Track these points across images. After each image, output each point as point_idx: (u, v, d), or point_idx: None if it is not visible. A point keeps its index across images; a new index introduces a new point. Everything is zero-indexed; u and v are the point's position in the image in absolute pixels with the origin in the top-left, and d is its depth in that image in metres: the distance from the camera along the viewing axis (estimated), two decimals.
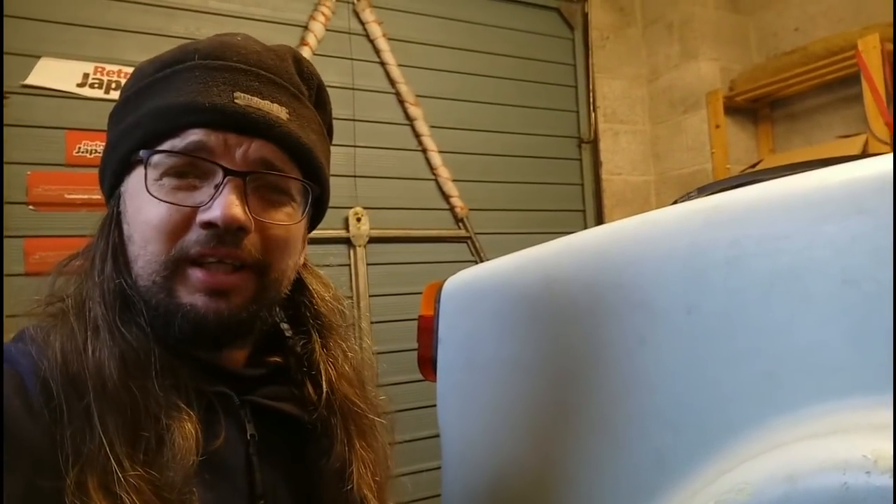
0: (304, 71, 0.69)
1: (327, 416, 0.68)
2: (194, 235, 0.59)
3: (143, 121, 0.62)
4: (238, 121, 0.61)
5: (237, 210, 0.58)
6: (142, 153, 0.61)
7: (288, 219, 0.64)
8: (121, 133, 0.64)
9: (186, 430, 0.57)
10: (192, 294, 0.59)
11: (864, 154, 2.38)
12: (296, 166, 0.65)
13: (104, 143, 0.67)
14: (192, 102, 0.60)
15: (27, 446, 0.51)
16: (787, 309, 0.59)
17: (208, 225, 0.59)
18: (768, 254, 0.60)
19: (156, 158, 0.61)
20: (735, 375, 0.62)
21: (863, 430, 0.51)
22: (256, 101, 0.62)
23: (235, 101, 0.61)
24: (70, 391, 0.55)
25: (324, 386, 0.69)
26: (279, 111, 0.63)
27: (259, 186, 0.63)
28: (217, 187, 0.59)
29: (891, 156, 0.54)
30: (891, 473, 0.46)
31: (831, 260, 0.57)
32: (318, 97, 0.71)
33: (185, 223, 0.59)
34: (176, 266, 0.59)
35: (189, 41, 0.66)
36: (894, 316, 0.53)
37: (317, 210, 0.72)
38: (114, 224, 0.64)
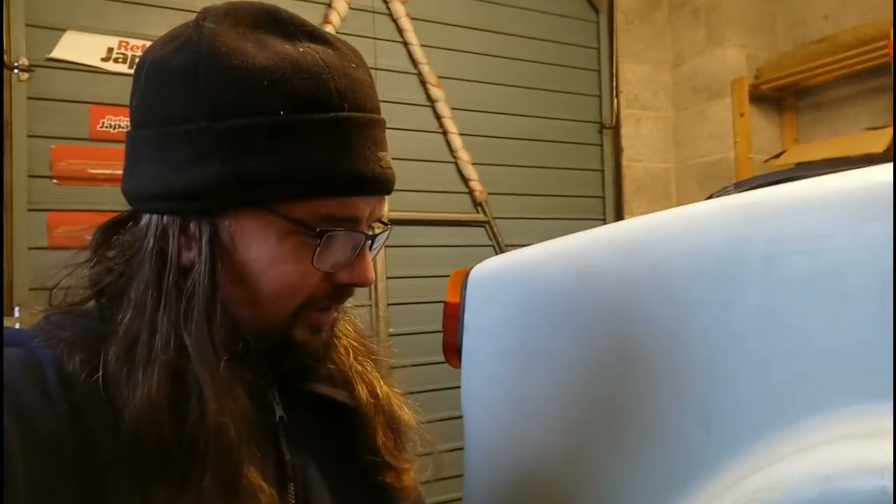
0: None
1: (365, 407, 0.69)
2: (326, 290, 0.62)
3: (299, 177, 0.57)
4: (384, 186, 0.62)
5: (372, 273, 0.63)
6: (319, 230, 0.58)
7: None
8: (245, 170, 0.56)
9: None
10: (305, 331, 0.63)
11: (892, 146, 2.33)
12: None
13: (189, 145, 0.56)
14: (357, 172, 0.58)
15: (45, 436, 0.51)
16: (825, 308, 0.58)
17: (349, 285, 0.62)
18: (808, 252, 0.60)
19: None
20: (769, 374, 0.61)
21: None
22: (387, 159, 0.62)
23: (381, 164, 0.61)
24: (100, 415, 0.54)
25: (359, 384, 0.70)
26: (390, 159, 0.63)
27: None
28: (354, 249, 0.61)
29: None
30: None
31: (872, 260, 0.56)
32: None
33: (321, 281, 0.61)
34: (298, 313, 0.61)
35: (311, 60, 0.58)
36: (894, 319, 0.52)
37: None
38: (207, 258, 0.58)
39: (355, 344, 0.73)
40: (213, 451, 0.54)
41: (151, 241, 0.58)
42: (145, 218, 0.60)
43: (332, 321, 0.66)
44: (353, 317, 0.75)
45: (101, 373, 0.54)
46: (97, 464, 0.52)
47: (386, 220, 0.68)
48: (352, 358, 0.71)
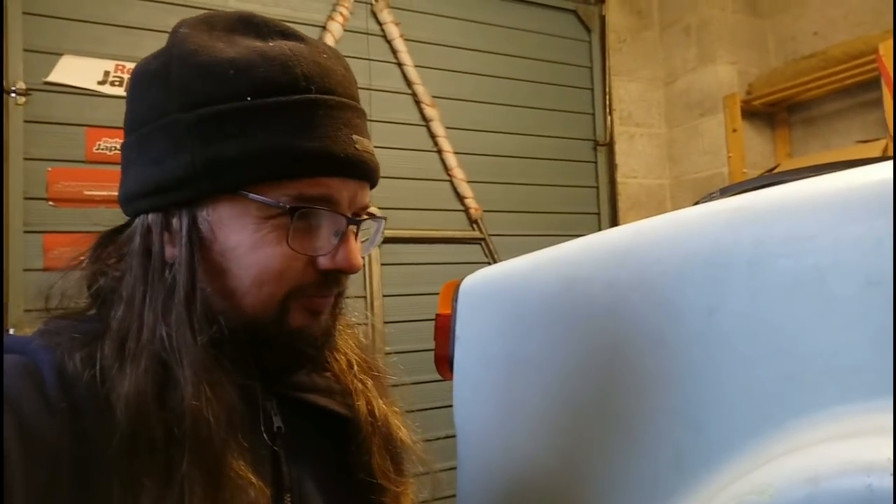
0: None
1: (362, 423, 0.69)
2: (313, 278, 0.61)
3: (267, 158, 0.57)
4: (359, 169, 0.61)
5: (359, 258, 0.62)
6: (289, 208, 0.58)
7: (363, 249, 0.66)
8: (215, 155, 0.57)
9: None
10: (304, 316, 0.62)
11: (886, 156, 2.35)
12: None
13: (166, 146, 0.58)
14: (326, 151, 0.58)
15: (43, 440, 0.51)
16: (811, 310, 0.59)
17: (334, 271, 0.61)
18: (792, 254, 0.60)
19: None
20: (756, 376, 0.61)
21: (887, 432, 0.51)
22: (364, 143, 0.62)
23: (356, 146, 0.60)
24: (98, 414, 0.54)
25: (359, 399, 0.70)
26: (371, 146, 0.63)
27: None
28: (337, 234, 0.61)
29: None
30: None
31: (857, 261, 0.56)
32: None
33: (305, 268, 0.60)
34: (286, 302, 0.60)
35: (278, 51, 0.59)
36: (894, 316, 0.52)
37: None
38: (187, 247, 0.58)
39: (357, 359, 0.73)
40: (190, 434, 0.54)
41: (138, 239, 0.60)
42: (136, 220, 0.62)
43: (331, 305, 0.65)
44: (356, 331, 0.75)
45: (97, 368, 0.55)
46: (93, 464, 0.53)
47: (379, 214, 0.68)
48: (353, 373, 0.71)
